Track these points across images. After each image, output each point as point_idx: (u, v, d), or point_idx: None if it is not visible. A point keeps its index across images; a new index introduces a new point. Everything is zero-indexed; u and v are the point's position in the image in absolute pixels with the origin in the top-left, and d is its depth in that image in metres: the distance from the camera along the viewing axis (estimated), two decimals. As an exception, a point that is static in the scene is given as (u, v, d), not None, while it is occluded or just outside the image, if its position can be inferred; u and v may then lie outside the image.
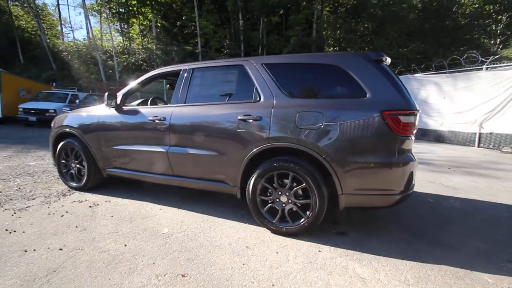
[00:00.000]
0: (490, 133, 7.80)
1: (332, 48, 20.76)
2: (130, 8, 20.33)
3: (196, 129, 2.53)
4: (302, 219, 2.16)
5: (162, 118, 2.67)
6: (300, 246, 2.09)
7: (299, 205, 2.18)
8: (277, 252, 2.00)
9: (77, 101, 11.98)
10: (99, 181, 3.38)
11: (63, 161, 3.44)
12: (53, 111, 10.70)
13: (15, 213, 2.64)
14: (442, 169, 5.09)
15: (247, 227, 2.42)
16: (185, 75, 2.73)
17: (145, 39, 22.88)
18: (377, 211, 2.84)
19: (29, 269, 1.74)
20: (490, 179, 4.51)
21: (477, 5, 20.70)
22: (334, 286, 1.63)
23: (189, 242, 2.11)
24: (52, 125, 3.58)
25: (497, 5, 19.71)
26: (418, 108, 2.06)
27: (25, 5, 20.17)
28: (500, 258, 2.02)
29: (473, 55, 8.22)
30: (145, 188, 3.41)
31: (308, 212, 2.13)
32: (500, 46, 20.71)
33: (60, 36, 25.58)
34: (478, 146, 8.15)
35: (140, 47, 21.73)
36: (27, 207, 2.80)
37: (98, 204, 2.91)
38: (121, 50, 21.90)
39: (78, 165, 3.33)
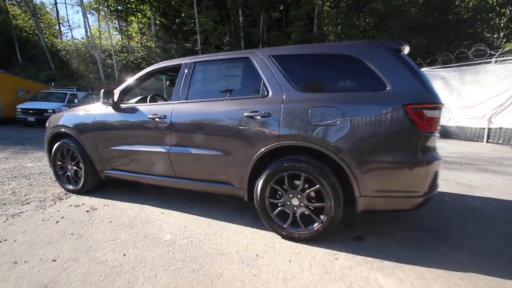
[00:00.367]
0: (500, 128, 7.59)
1: (333, 44, 20.42)
2: (129, 5, 20.07)
3: (199, 127, 2.36)
4: (316, 224, 1.98)
5: (162, 116, 2.49)
6: (314, 254, 1.92)
7: (312, 208, 2.01)
8: (290, 261, 1.83)
9: (75, 100, 11.82)
10: (97, 183, 3.21)
11: (59, 162, 3.27)
12: (51, 111, 10.53)
13: (7, 219, 2.47)
14: (454, 166, 4.91)
15: (256, 232, 2.25)
16: (186, 69, 2.54)
17: (144, 37, 22.63)
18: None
19: (19, 284, 1.58)
20: (505, 176, 4.32)
21: (479, -1, 20.36)
22: (356, 301, 1.46)
23: (193, 251, 1.95)
24: (47, 125, 3.41)
25: (501, -2, 19.38)
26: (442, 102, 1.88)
27: (22, 4, 19.92)
28: (534, 265, 1.84)
29: (481, 48, 7.99)
30: (146, 190, 3.24)
31: (322, 216, 1.95)
32: (504, 40, 20.40)
33: (59, 35, 25.34)
34: (487, 142, 7.94)
35: (139, 45, 21.50)
36: (20, 212, 2.64)
37: (95, 209, 2.74)
38: (120, 48, 21.67)
39: (74, 167, 3.16)
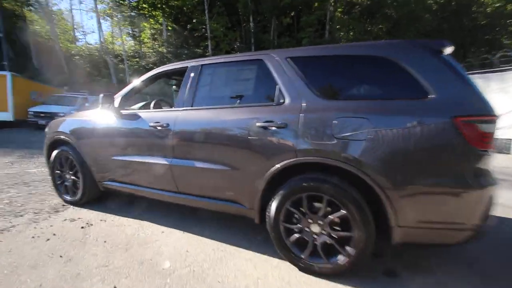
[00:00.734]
0: (529, 139, 7.06)
1: (345, 50, 20.08)
2: (141, 11, 20.35)
3: (204, 138, 2.10)
4: (340, 257, 1.67)
5: (164, 125, 2.24)
6: (338, 294, 1.60)
7: (336, 237, 1.69)
8: (309, 303, 1.52)
9: (86, 104, 11.87)
10: (96, 194, 2.98)
11: (58, 171, 3.07)
12: (62, 114, 10.56)
13: (-5, 235, 2.26)
14: (483, 181, 4.46)
15: (268, 260, 1.94)
16: (192, 73, 2.30)
17: (156, 43, 22.88)
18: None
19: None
20: (544, 194, 3.87)
21: (498, 4, 19.63)
22: None
23: (195, 284, 1.66)
24: (46, 130, 3.23)
25: (520, 4, 18.65)
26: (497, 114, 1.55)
27: (39, 10, 20.51)
28: None
29: (508, 54, 7.51)
30: (147, 203, 2.98)
31: (348, 248, 1.64)
32: (524, 47, 19.56)
33: (74, 41, 25.93)
34: (515, 154, 7.40)
35: (151, 50, 21.71)
36: (11, 226, 2.42)
37: (91, 224, 2.50)
38: (132, 53, 21.95)
39: (73, 177, 2.94)
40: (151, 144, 2.37)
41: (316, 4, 18.97)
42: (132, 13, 20.45)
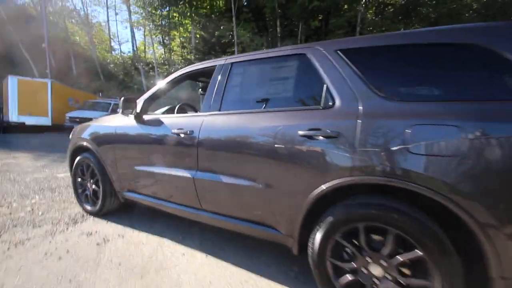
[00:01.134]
0: None
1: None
2: (172, 20, 21.03)
3: (233, 147, 1.77)
4: (413, 313, 1.23)
5: (188, 132, 1.95)
6: None
7: (406, 285, 1.26)
8: None
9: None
10: (116, 206, 2.78)
11: (79, 179, 2.93)
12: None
13: (8, 248, 2.10)
14: None
15: (309, 303, 1.55)
16: (221, 72, 2.00)
17: (184, 50, 23.51)
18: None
19: None
20: None
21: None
22: None
23: (219, 335, 1.31)
24: (70, 136, 3.11)
25: None
26: None
27: (80, 23, 22.02)
28: None
29: None
30: (169, 218, 2.71)
31: (426, 303, 1.20)
32: None
33: (110, 50, 27.55)
34: None
35: (180, 57, 22.31)
36: (26, 239, 2.27)
37: (108, 240, 2.27)
38: (162, 61, 22.72)
39: (93, 186, 2.77)
40: (173, 154, 2.10)
41: (345, 6, 18.32)
42: (163, 22, 21.20)
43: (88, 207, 2.83)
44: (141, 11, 22.02)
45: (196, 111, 3.13)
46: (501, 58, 1.17)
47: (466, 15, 18.74)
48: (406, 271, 1.28)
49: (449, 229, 1.18)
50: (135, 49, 22.23)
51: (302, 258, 1.58)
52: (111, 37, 28.24)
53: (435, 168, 1.15)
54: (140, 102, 2.40)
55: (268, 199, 1.64)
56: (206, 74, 2.27)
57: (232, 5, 18.20)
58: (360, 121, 1.33)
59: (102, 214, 2.76)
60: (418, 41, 1.35)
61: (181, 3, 19.41)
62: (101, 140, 2.58)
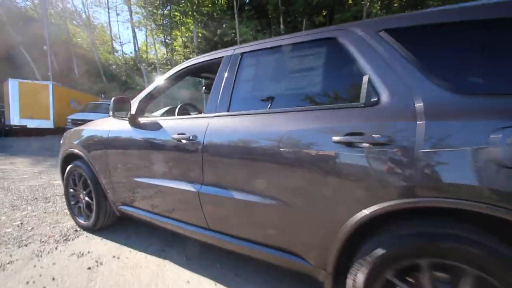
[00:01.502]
0: None
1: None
2: (173, 19, 20.76)
3: (246, 156, 1.43)
4: None
5: (191, 137, 1.63)
6: None
7: None
8: None
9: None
10: (112, 220, 2.48)
11: (71, 190, 2.63)
12: (97, 122, 10.76)
13: (-15, 275, 1.80)
14: None
15: None
16: (229, 65, 1.67)
17: (187, 50, 23.24)
18: None
19: None
20: None
21: None
22: None
23: None
24: (61, 141, 2.82)
25: None
26: None
27: (81, 23, 21.88)
28: None
29: None
30: (172, 234, 2.39)
31: None
32: None
33: (112, 52, 27.41)
34: None
35: (183, 57, 22.06)
36: (9, 262, 1.97)
37: (101, 263, 1.96)
38: (164, 61, 22.49)
39: (86, 197, 2.47)
40: (174, 163, 1.78)
41: (350, 1, 17.85)
42: (165, 21, 20.94)
43: (82, 221, 2.53)
44: (142, 11, 21.81)
45: (200, 112, 2.81)
46: None
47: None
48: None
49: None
50: (137, 49, 21.99)
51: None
52: (113, 38, 28.14)
53: (542, 189, 0.80)
54: (135, 103, 2.09)
55: (292, 222, 1.30)
56: (211, 68, 1.94)
57: (234, 3, 17.87)
58: (420, 122, 0.99)
59: (97, 229, 2.46)
60: (502, 15, 1.00)
61: (182, 1, 19.13)
62: (93, 146, 2.28)
